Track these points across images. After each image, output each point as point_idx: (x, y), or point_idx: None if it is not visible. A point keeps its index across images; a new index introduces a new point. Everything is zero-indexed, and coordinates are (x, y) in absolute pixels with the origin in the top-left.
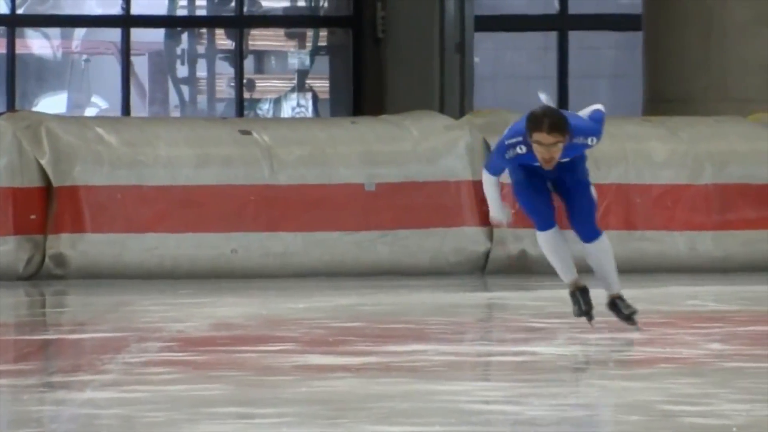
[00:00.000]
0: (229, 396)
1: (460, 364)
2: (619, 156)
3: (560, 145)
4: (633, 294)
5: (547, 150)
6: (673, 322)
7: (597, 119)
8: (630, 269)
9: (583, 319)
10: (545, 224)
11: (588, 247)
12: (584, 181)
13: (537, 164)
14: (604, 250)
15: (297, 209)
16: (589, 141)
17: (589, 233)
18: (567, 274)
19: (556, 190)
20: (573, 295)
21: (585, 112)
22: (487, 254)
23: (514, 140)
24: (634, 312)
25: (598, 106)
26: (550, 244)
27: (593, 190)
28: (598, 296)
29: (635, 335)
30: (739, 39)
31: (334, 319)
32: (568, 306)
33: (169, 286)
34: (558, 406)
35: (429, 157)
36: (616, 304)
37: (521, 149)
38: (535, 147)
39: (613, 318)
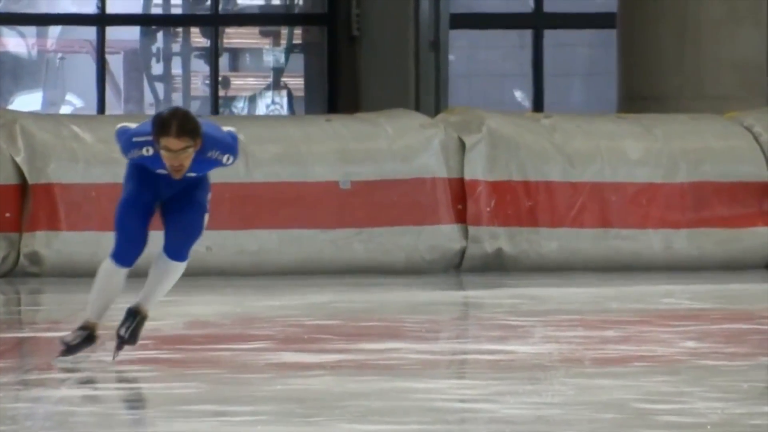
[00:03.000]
0: (204, 394)
1: (435, 363)
2: (594, 154)
3: (190, 152)
4: (608, 292)
5: (176, 156)
6: (648, 320)
7: (234, 137)
8: (605, 267)
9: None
10: (122, 259)
11: (162, 262)
12: (200, 205)
13: (161, 172)
14: (171, 274)
15: (272, 207)
16: (225, 158)
17: (176, 252)
18: (96, 313)
19: (166, 205)
20: (80, 330)
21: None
22: (462, 252)
23: (141, 139)
24: (129, 340)
25: (233, 129)
26: (109, 279)
27: (206, 218)
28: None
29: (610, 333)
30: (714, 37)
31: (309, 317)
32: (545, 303)
33: (143, 284)
34: (533, 404)
35: (404, 155)
36: (134, 315)
37: (147, 151)
38: (164, 153)
39: (586, 315)
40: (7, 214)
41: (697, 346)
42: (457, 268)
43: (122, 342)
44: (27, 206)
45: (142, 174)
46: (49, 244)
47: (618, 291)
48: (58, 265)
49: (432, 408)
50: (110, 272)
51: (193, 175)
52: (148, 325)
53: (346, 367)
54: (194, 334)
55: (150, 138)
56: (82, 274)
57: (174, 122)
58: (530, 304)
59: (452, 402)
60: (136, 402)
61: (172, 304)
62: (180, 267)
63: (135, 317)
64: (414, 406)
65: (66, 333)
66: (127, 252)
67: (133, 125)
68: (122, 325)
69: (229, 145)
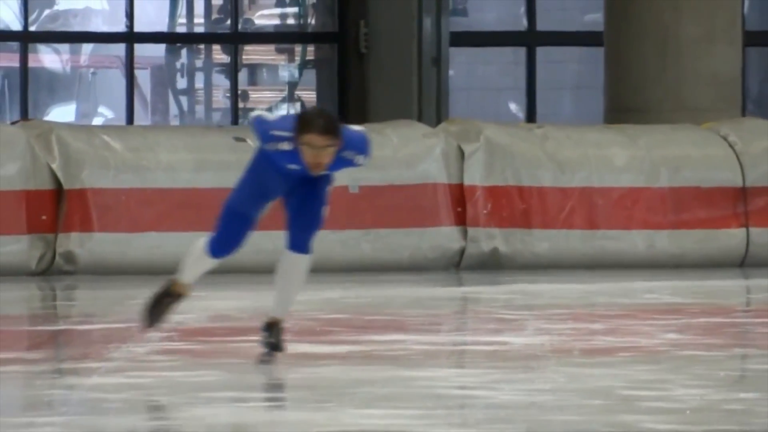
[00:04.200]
0: (225, 382)
1: (436, 353)
2: (582, 161)
3: (331, 151)
4: (595, 288)
5: (317, 154)
6: (632, 314)
7: (365, 140)
8: (592, 265)
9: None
10: (217, 251)
11: (288, 256)
12: (322, 200)
13: (292, 167)
14: (301, 269)
15: None
16: (357, 159)
17: (299, 244)
18: (189, 276)
19: (289, 200)
20: (171, 292)
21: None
22: (461, 251)
23: (281, 134)
24: (282, 347)
25: (362, 129)
26: (199, 260)
27: (325, 212)
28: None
29: (597, 326)
30: (693, 54)
31: (321, 311)
32: (537, 298)
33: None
34: (527, 391)
35: (408, 162)
36: (272, 329)
37: (285, 146)
38: (305, 149)
39: (575, 309)
40: (44, 217)
41: (677, 338)
42: (457, 266)
43: (275, 346)
44: (62, 209)
45: (265, 174)
46: (83, 245)
47: (604, 287)
48: (91, 263)
49: (433, 394)
50: (201, 256)
51: (325, 172)
52: (174, 318)
53: (354, 357)
54: (216, 326)
55: (289, 134)
56: (113, 272)
57: (319, 120)
58: (524, 299)
59: (452, 389)
60: (162, 389)
61: (196, 299)
62: (306, 259)
63: (271, 330)
64: (417, 393)
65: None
66: (222, 249)
67: (270, 116)
68: (265, 339)
69: (363, 147)
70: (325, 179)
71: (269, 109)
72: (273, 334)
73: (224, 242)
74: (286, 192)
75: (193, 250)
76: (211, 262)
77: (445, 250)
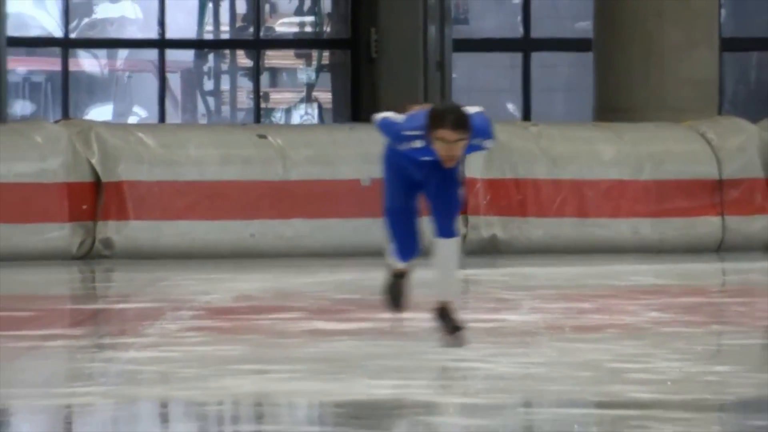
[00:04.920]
0: (248, 355)
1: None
2: (573, 156)
3: (462, 143)
4: (585, 271)
5: (450, 147)
6: (619, 294)
7: (486, 120)
8: (582, 250)
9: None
10: (404, 256)
11: (437, 243)
12: (455, 182)
13: (425, 159)
14: (452, 251)
15: (305, 200)
16: (485, 143)
17: (445, 230)
18: (400, 259)
19: (426, 186)
20: (396, 276)
21: (469, 111)
22: (463, 238)
23: (412, 133)
24: (460, 327)
25: (480, 109)
26: (396, 261)
27: (462, 193)
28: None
29: (587, 305)
30: (674, 58)
31: (336, 292)
32: (532, 280)
33: (198, 264)
34: (522, 363)
35: None
36: (443, 315)
37: (418, 143)
38: (438, 144)
39: (567, 290)
40: (84, 207)
41: (659, 316)
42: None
43: (456, 330)
44: (101, 200)
45: (399, 172)
46: (119, 231)
47: (593, 270)
48: (127, 248)
49: (438, 367)
50: (395, 260)
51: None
52: (202, 299)
53: (365, 333)
54: (240, 306)
55: (419, 132)
56: (147, 256)
57: (450, 116)
58: (520, 281)
59: (455, 362)
60: (191, 362)
61: (222, 281)
62: (455, 242)
63: (445, 316)
64: (423, 366)
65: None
66: (405, 254)
67: (396, 117)
68: (444, 327)
69: (488, 131)
70: (458, 163)
71: (288, 109)
72: (448, 319)
73: (403, 246)
74: (422, 178)
75: (388, 258)
76: (404, 264)
77: None
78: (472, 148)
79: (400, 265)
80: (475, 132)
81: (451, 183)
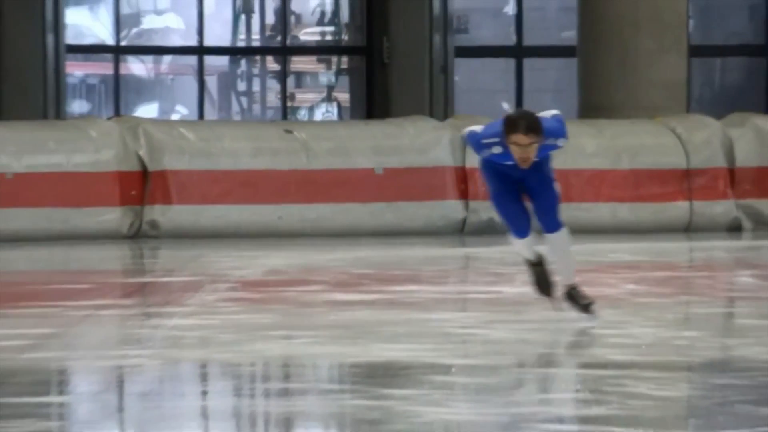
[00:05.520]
0: (277, 323)
1: (444, 300)
2: (560, 148)
3: (535, 146)
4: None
5: (524, 150)
6: (599, 269)
7: (561, 122)
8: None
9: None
10: (520, 234)
11: (549, 238)
12: (549, 178)
13: (509, 163)
14: (564, 241)
15: (326, 187)
16: (558, 142)
17: (551, 225)
18: (527, 254)
19: (524, 186)
20: (535, 267)
21: (546, 115)
22: (464, 220)
23: (490, 140)
24: (590, 303)
25: (557, 112)
26: (525, 247)
27: (557, 186)
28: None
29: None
30: (648, 63)
31: (353, 267)
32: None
33: (232, 243)
34: (516, 329)
35: (422, 149)
36: (571, 296)
37: (497, 149)
38: (513, 148)
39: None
40: (133, 192)
41: (634, 288)
42: (461, 231)
43: (587, 307)
44: (148, 187)
45: (495, 169)
46: (164, 214)
47: (577, 248)
48: (170, 229)
49: (442, 333)
50: (522, 244)
51: (536, 159)
52: (236, 273)
53: (380, 303)
54: (269, 279)
55: (497, 139)
56: (188, 236)
57: (522, 122)
58: (514, 258)
59: (457, 328)
60: (227, 328)
61: (254, 258)
62: (563, 232)
63: (572, 294)
64: (429, 331)
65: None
66: (520, 229)
67: (478, 128)
68: (574, 305)
69: (560, 131)
70: (546, 161)
71: (311, 107)
72: (577, 298)
73: (516, 224)
74: (519, 179)
75: (519, 251)
76: (526, 241)
77: (451, 219)
78: (548, 148)
79: (530, 255)
80: (547, 133)
81: (546, 181)
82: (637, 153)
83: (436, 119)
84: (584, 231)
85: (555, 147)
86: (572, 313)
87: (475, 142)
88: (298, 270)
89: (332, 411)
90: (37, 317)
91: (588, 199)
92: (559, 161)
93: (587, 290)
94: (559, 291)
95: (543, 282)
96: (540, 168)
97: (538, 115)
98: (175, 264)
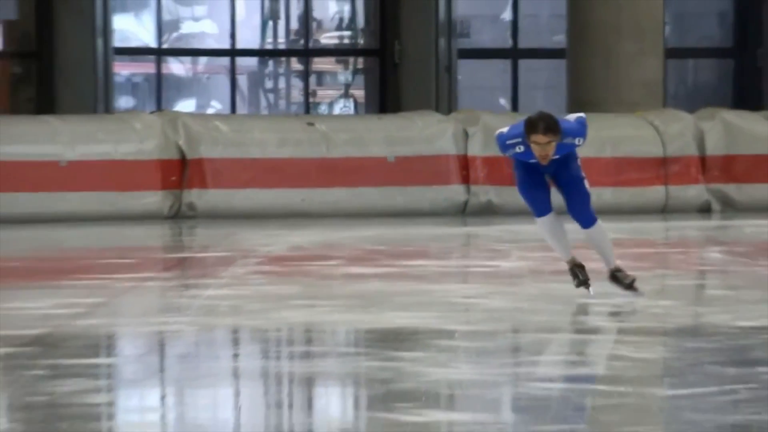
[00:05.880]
0: (300, 293)
1: (448, 273)
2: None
3: (553, 144)
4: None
5: (543, 148)
6: (586, 246)
7: (582, 123)
8: (558, 212)
9: (538, 255)
10: (541, 211)
11: (586, 232)
12: (578, 177)
13: (533, 161)
14: (600, 233)
15: (344, 173)
16: (576, 141)
17: (586, 220)
18: (564, 253)
19: (556, 185)
20: (572, 270)
21: (571, 117)
22: (466, 202)
23: (513, 141)
24: (632, 280)
25: (582, 114)
26: (546, 227)
27: (586, 184)
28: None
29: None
30: (629, 64)
31: (368, 243)
32: (520, 234)
33: (261, 223)
34: (511, 299)
35: (428, 140)
36: (616, 277)
37: (519, 148)
38: (533, 146)
39: (545, 243)
40: (173, 178)
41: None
42: (462, 212)
43: (630, 285)
44: (186, 173)
45: (522, 163)
46: (200, 197)
47: (566, 227)
48: (206, 210)
49: (446, 302)
50: (545, 223)
51: (557, 157)
52: (262, 249)
53: (391, 276)
54: (293, 254)
55: (519, 139)
56: (222, 216)
57: (541, 123)
58: (510, 236)
59: (459, 298)
60: (256, 298)
61: (279, 236)
62: (599, 225)
63: (617, 276)
64: (435, 301)
65: (574, 281)
66: (541, 207)
67: (505, 130)
68: (619, 285)
69: (578, 131)
70: (571, 159)
71: (331, 103)
72: (620, 278)
73: (537, 206)
74: (548, 173)
75: (545, 233)
76: (546, 220)
77: (454, 201)
78: (568, 146)
79: (565, 258)
80: (565, 132)
81: (572, 180)
82: (619, 143)
83: (441, 113)
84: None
85: (574, 145)
86: (558, 285)
87: (501, 142)
88: (319, 246)
89: (349, 371)
90: (87, 288)
91: None
92: None
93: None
94: (606, 275)
95: (581, 279)
96: (568, 166)
97: (564, 117)
98: (210, 241)
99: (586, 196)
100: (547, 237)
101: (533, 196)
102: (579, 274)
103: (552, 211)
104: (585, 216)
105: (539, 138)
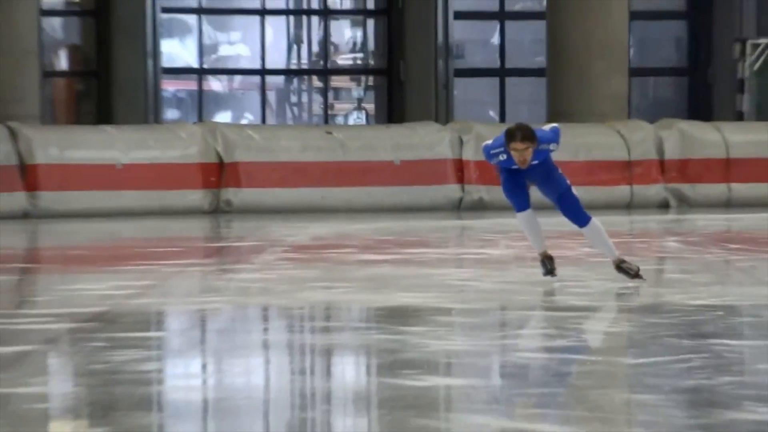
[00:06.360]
0: (318, 276)
1: (446, 259)
2: (553, 151)
3: (530, 150)
4: (543, 221)
5: (521, 154)
6: (562, 236)
7: (555, 132)
8: (539, 208)
9: (529, 255)
10: (521, 207)
11: (583, 231)
12: (566, 187)
13: (515, 167)
14: (596, 230)
15: (357, 174)
16: (551, 146)
17: (580, 221)
18: (538, 245)
19: (549, 199)
20: (542, 261)
21: (546, 127)
22: (461, 199)
23: (496, 150)
24: (637, 270)
25: (556, 125)
26: (525, 221)
27: (573, 190)
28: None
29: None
30: (599, 81)
31: (378, 234)
32: (507, 226)
33: (287, 217)
34: (500, 282)
35: (429, 146)
36: (622, 268)
37: (502, 156)
38: (513, 153)
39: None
40: (212, 179)
41: (589, 251)
42: (458, 208)
43: (636, 274)
44: (223, 174)
45: (506, 169)
46: (236, 195)
47: (547, 220)
48: (241, 206)
49: (444, 284)
50: (524, 218)
51: (535, 162)
52: (288, 239)
53: (398, 262)
54: (313, 243)
55: (501, 149)
56: (254, 211)
57: (518, 133)
58: (498, 228)
59: (455, 281)
60: (282, 281)
61: (302, 228)
62: (594, 224)
63: (621, 267)
64: (434, 283)
65: (542, 270)
66: (520, 203)
67: (489, 142)
68: (626, 275)
69: (552, 138)
70: (550, 167)
71: (346, 115)
72: (623, 268)
73: (517, 203)
74: (529, 178)
75: (523, 227)
76: (524, 215)
77: (451, 198)
78: (542, 153)
79: (539, 250)
80: (540, 140)
81: (559, 187)
82: (591, 149)
83: (440, 124)
84: (550, 208)
85: (549, 151)
86: (539, 270)
87: (487, 153)
88: (335, 237)
89: (362, 343)
90: (140, 272)
91: None
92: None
93: (551, 252)
94: (611, 266)
95: (548, 268)
96: (553, 180)
97: (540, 127)
98: (244, 232)
99: (576, 201)
100: (524, 229)
101: (514, 195)
102: (547, 264)
103: (530, 208)
104: (579, 218)
105: (518, 145)
